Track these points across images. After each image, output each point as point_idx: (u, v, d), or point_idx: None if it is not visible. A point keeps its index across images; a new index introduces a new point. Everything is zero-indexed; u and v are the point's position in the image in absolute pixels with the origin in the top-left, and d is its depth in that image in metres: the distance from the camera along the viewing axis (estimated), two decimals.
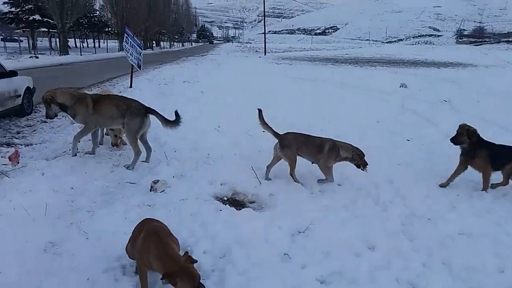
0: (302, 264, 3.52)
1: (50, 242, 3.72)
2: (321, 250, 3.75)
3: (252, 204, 4.99)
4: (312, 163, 5.55)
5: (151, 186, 4.98)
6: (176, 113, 6.04)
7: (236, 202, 4.99)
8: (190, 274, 2.66)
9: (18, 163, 5.76)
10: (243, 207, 4.78)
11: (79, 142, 6.30)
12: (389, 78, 20.86)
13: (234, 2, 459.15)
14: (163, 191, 4.93)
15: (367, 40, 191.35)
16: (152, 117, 6.13)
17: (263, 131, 5.87)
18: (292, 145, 5.43)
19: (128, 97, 6.95)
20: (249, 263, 3.43)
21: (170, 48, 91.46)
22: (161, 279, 2.67)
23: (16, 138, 7.69)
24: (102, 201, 4.68)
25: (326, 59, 43.81)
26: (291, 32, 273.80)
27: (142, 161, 6.08)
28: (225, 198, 5.04)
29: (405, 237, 4.08)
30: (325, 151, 5.34)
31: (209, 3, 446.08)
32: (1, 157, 6.54)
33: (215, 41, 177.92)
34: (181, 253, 2.92)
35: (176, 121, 6.03)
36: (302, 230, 4.11)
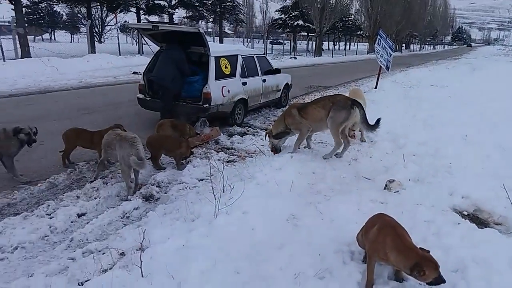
0: None
1: (292, 214, 4.27)
2: None
3: (498, 226, 4.37)
4: None
5: (386, 185, 5.02)
6: (378, 121, 6.08)
7: (478, 220, 4.47)
8: (433, 262, 2.73)
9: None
10: (486, 227, 4.26)
11: (298, 148, 6.62)
12: None
13: (503, 1, 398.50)
14: (397, 191, 4.90)
15: None
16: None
17: None
18: None
19: (334, 94, 7.14)
20: (487, 287, 3.08)
21: (419, 51, 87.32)
22: (410, 271, 2.75)
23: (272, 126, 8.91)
24: (338, 189, 5.05)
25: None
26: None
27: (338, 157, 6.34)
28: (465, 213, 4.60)
29: None
30: None
31: (471, 3, 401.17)
32: (260, 139, 7.81)
33: (473, 44, 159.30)
34: None
35: (373, 126, 6.07)
36: None
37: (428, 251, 2.81)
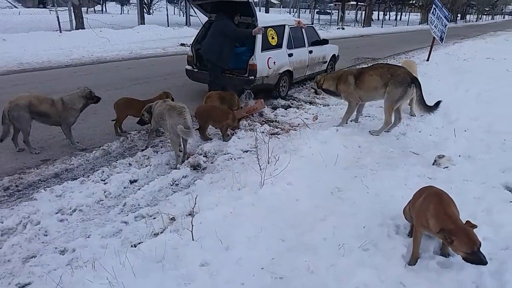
0: None
1: (336, 187, 4.30)
2: None
3: None
4: None
5: (435, 160, 4.89)
6: (437, 104, 5.86)
7: None
8: (469, 236, 2.61)
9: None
10: None
11: (346, 123, 6.52)
12: None
13: None
14: (446, 167, 4.77)
15: None
16: None
17: None
18: None
19: (394, 64, 6.85)
20: None
21: (476, 21, 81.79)
22: (436, 233, 2.71)
23: (317, 99, 8.79)
24: (385, 164, 4.98)
25: None
26: None
27: (385, 131, 6.18)
28: None
29: None
30: None
31: None
32: (304, 112, 7.77)
33: None
34: None
35: (431, 108, 5.83)
36: None
37: (475, 226, 2.74)
